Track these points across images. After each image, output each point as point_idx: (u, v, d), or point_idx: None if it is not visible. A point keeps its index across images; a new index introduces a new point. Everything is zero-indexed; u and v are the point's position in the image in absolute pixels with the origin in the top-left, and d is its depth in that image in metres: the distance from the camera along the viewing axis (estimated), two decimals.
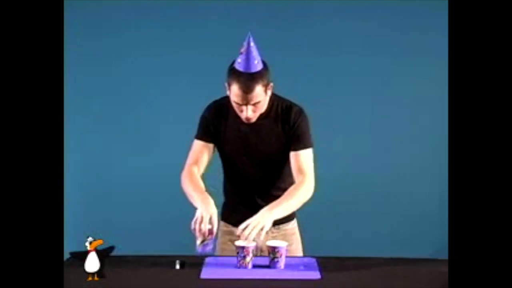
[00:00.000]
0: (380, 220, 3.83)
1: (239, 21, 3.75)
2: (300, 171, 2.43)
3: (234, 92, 2.33)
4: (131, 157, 3.86)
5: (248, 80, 2.29)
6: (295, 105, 2.48)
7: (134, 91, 3.85)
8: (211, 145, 2.49)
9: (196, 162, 2.48)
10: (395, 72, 3.85)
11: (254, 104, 2.34)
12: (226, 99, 2.46)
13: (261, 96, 2.34)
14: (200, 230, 2.22)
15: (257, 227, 2.22)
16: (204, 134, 2.49)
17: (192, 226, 2.25)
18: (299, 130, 2.45)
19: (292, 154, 2.46)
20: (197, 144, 2.51)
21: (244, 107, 2.35)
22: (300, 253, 2.59)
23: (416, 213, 3.82)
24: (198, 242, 2.25)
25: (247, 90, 2.30)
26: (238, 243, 2.24)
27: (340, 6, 3.78)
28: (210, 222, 2.24)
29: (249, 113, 2.36)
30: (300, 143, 2.45)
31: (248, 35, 2.28)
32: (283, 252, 2.23)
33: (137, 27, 3.83)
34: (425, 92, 3.82)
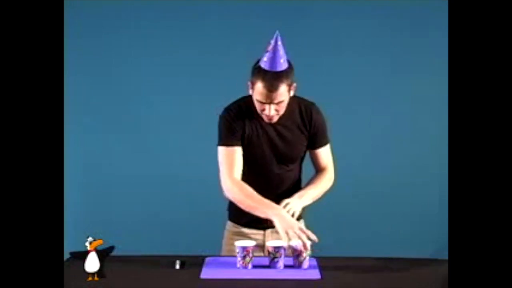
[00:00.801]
0: (380, 220, 3.83)
1: (239, 21, 3.76)
2: (322, 166, 2.55)
3: (258, 90, 2.32)
4: (131, 157, 3.86)
5: (273, 79, 2.29)
6: (313, 104, 2.52)
7: (134, 91, 3.85)
8: (239, 148, 2.45)
9: (232, 168, 2.43)
10: (395, 72, 3.85)
11: (277, 103, 2.35)
12: (244, 100, 2.47)
13: (285, 95, 2.34)
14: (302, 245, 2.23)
15: (289, 213, 2.32)
16: (230, 138, 2.45)
17: (291, 246, 2.24)
18: (320, 129, 2.50)
19: (313, 151, 2.54)
20: (226, 150, 2.45)
21: (267, 106, 2.35)
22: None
23: (416, 213, 3.82)
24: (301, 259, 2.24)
25: (271, 88, 2.29)
26: (238, 243, 2.25)
27: (340, 6, 3.78)
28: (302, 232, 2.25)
29: (272, 112, 2.36)
30: (320, 141, 2.52)
31: (276, 33, 2.27)
32: (283, 252, 2.23)
33: (137, 27, 3.83)
34: (425, 92, 3.82)
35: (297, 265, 2.23)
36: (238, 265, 2.23)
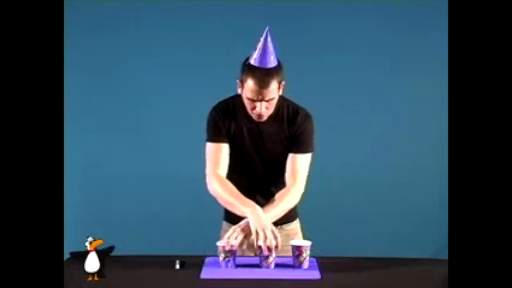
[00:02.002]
0: (380, 220, 3.83)
1: (239, 21, 3.76)
2: (293, 174, 2.45)
3: (249, 87, 2.32)
4: (131, 157, 3.86)
5: (264, 75, 2.29)
6: (303, 109, 2.49)
7: (134, 91, 3.85)
8: (226, 145, 2.47)
9: (218, 164, 2.45)
10: (395, 72, 3.85)
11: (268, 101, 2.34)
12: (231, 100, 2.48)
13: (275, 92, 2.34)
14: (267, 247, 2.20)
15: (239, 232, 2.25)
16: (217, 135, 2.46)
17: (259, 244, 2.21)
18: (302, 134, 2.46)
19: (290, 155, 2.47)
20: (213, 146, 2.47)
21: (258, 104, 2.34)
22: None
23: (416, 213, 3.82)
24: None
25: (263, 85, 2.29)
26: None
27: (340, 6, 3.78)
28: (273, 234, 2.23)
29: (263, 110, 2.35)
30: (300, 147, 2.46)
31: (266, 30, 2.27)
32: (235, 252, 2.23)
33: (137, 27, 3.83)
34: (425, 92, 3.82)
35: (297, 265, 2.23)
36: (262, 265, 2.23)
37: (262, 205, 2.37)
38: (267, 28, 2.27)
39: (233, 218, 2.54)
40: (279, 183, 2.51)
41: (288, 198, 2.42)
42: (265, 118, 2.41)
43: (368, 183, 3.81)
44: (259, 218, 2.27)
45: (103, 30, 3.81)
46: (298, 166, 2.46)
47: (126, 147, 3.87)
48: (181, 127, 3.82)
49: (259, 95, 2.32)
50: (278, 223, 2.46)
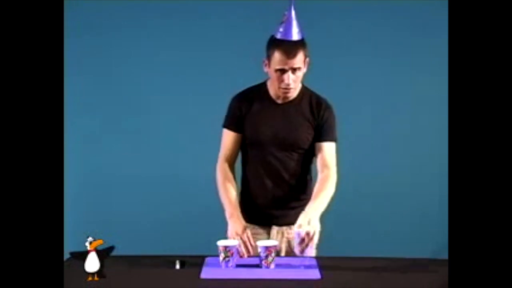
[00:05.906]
0: (380, 220, 3.83)
1: (239, 21, 3.75)
2: (325, 164, 2.51)
3: (276, 59, 2.37)
4: (131, 157, 3.86)
5: (290, 46, 2.36)
6: (325, 99, 2.56)
7: (134, 91, 3.85)
8: (238, 135, 2.53)
9: (228, 153, 2.55)
10: (395, 72, 3.85)
11: (295, 71, 2.38)
12: (256, 85, 2.54)
13: (301, 63, 2.40)
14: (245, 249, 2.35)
15: (312, 234, 2.24)
16: (230, 123, 2.54)
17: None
18: (327, 122, 2.51)
19: (317, 145, 2.52)
20: (225, 133, 2.55)
21: (285, 75, 2.38)
22: (313, 254, 2.55)
23: (416, 213, 3.82)
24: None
25: (290, 54, 2.35)
26: (260, 243, 2.25)
27: (340, 6, 3.77)
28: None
29: (291, 79, 2.39)
30: (327, 135, 2.52)
31: (291, 3, 2.34)
32: (235, 252, 2.25)
33: (137, 27, 3.82)
34: (425, 92, 3.82)
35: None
36: (261, 265, 2.23)
37: (277, 196, 2.49)
38: (292, 2, 2.34)
39: (247, 215, 2.53)
40: (296, 174, 2.53)
41: (329, 188, 2.47)
42: (292, 93, 2.45)
43: (368, 183, 3.81)
44: (235, 224, 2.42)
45: (103, 30, 3.80)
46: (328, 154, 2.52)
47: (126, 147, 3.87)
48: (181, 127, 3.82)
49: (287, 64, 2.36)
50: (291, 224, 2.48)
